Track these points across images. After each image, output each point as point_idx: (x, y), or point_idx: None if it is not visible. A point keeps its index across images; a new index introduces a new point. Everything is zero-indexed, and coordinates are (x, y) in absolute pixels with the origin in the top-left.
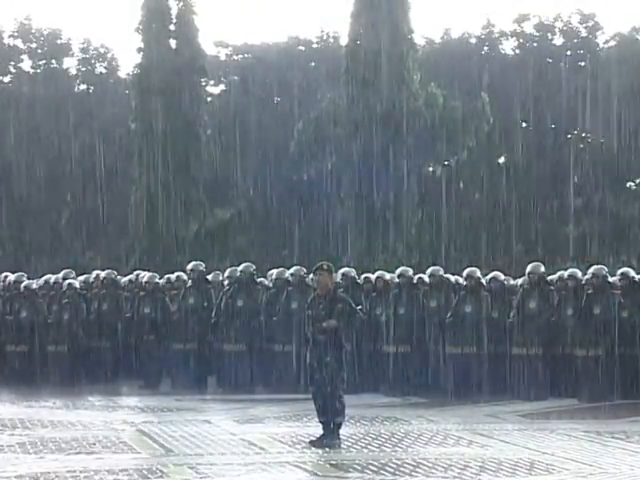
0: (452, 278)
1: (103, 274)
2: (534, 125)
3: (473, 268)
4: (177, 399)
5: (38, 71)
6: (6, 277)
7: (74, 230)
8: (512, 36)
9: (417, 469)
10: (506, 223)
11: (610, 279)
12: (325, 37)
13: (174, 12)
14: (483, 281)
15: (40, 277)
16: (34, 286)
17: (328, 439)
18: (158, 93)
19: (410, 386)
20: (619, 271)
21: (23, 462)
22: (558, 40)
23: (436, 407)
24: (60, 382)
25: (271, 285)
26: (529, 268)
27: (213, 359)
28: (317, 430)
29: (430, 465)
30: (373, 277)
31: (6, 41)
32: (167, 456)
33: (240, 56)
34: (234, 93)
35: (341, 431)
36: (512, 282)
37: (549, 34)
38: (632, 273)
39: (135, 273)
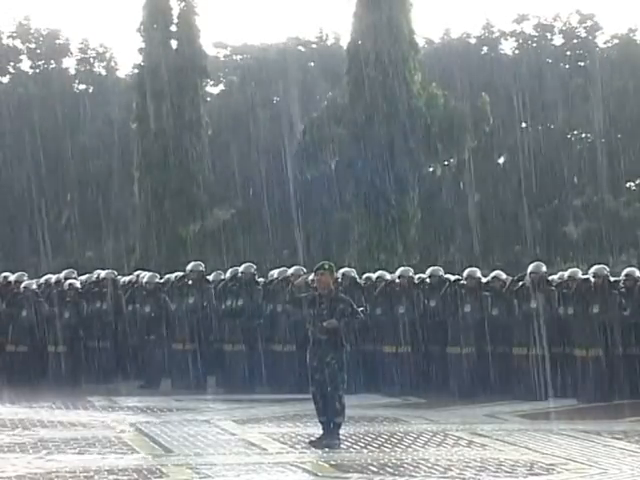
0: (452, 278)
1: (103, 274)
2: (534, 125)
3: (473, 268)
4: (177, 399)
5: (37, 71)
6: (6, 277)
7: (74, 230)
8: (511, 36)
9: (417, 469)
10: (506, 223)
11: (612, 279)
12: (325, 37)
13: (175, 12)
14: (483, 281)
15: (40, 277)
16: (34, 286)
17: (328, 439)
18: (159, 93)
19: (410, 386)
20: (624, 271)
21: (23, 462)
22: (557, 40)
23: (436, 407)
24: (60, 382)
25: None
26: (530, 268)
27: (213, 359)
28: (317, 430)
29: (430, 465)
30: (374, 277)
31: (5, 41)
32: (167, 456)
33: (239, 56)
34: (233, 93)
35: (341, 431)
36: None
37: (548, 34)
38: (637, 273)
39: (135, 273)
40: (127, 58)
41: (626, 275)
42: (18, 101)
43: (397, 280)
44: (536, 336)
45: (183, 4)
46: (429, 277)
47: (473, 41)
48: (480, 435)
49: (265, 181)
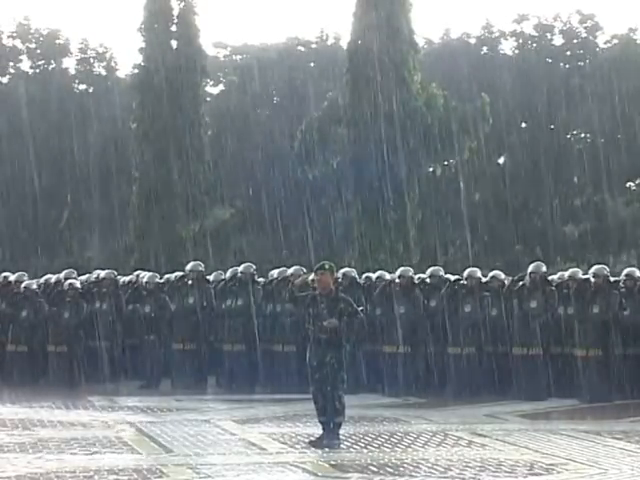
0: (452, 278)
1: (103, 274)
2: (534, 125)
3: (473, 268)
4: (177, 399)
5: (37, 71)
6: (6, 277)
7: (74, 230)
8: (511, 36)
9: (417, 469)
10: (506, 223)
11: (612, 279)
12: (325, 37)
13: (175, 12)
14: (483, 281)
15: (40, 277)
16: (34, 286)
17: (328, 439)
18: (159, 93)
19: (410, 386)
20: (624, 271)
21: (23, 462)
22: (557, 40)
23: (436, 407)
24: (60, 382)
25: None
26: (531, 268)
27: (213, 359)
28: (317, 430)
29: (430, 465)
30: (374, 277)
31: (5, 41)
32: (167, 456)
33: (239, 56)
34: (233, 93)
35: (341, 431)
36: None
37: (548, 34)
38: (637, 273)
39: (135, 273)
40: (127, 58)
41: (626, 275)
42: (18, 101)
43: (397, 280)
44: (536, 336)
45: (183, 4)
46: (429, 277)
47: (473, 41)
48: (480, 435)
49: (265, 181)
